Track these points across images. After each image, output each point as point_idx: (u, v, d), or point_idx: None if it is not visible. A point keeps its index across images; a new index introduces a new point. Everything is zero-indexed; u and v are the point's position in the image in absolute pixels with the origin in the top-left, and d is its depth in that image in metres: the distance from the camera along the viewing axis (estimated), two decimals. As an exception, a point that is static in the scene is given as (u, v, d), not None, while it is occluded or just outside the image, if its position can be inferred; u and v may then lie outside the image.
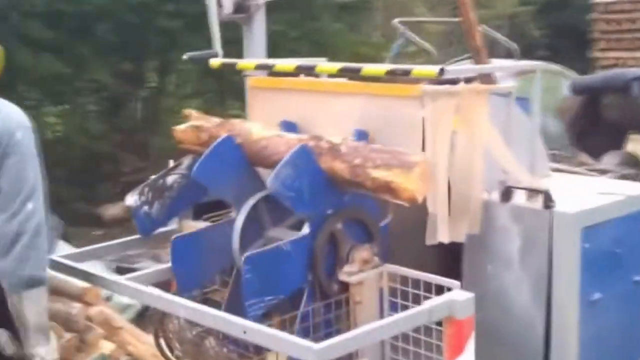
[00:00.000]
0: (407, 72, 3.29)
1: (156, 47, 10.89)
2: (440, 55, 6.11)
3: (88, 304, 5.75)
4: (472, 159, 3.44)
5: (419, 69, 3.26)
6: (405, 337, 3.40)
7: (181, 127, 3.82)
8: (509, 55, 5.58)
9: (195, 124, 3.79)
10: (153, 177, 3.87)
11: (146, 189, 3.80)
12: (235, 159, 3.53)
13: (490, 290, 3.71)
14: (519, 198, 3.66)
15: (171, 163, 3.97)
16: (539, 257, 3.56)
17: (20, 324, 3.19)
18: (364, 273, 3.37)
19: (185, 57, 4.55)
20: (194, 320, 3.19)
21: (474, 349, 3.09)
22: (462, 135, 3.41)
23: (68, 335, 5.81)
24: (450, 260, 3.76)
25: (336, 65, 3.55)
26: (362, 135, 3.48)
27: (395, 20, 5.59)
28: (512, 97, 3.73)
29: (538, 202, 3.58)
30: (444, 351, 3.09)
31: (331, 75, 3.74)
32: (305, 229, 3.32)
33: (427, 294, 3.28)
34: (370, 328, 2.82)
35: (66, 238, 8.24)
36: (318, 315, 3.36)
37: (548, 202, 3.54)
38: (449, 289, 3.20)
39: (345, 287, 3.40)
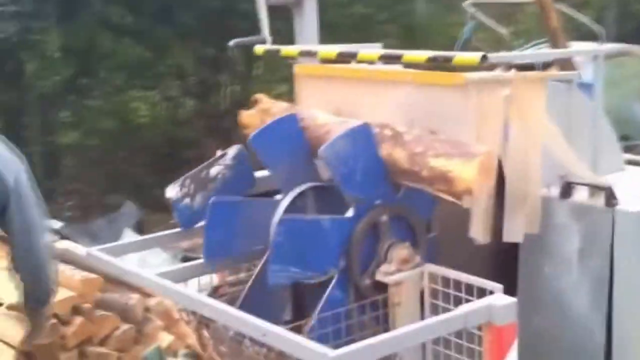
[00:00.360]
0: (449, 59, 3.04)
1: (240, 32, 10.77)
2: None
3: (147, 294, 5.66)
4: (528, 153, 3.19)
5: (461, 56, 3.01)
6: (447, 342, 3.16)
7: (248, 111, 3.68)
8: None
9: (262, 107, 3.66)
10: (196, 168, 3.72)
11: (187, 181, 3.66)
12: (295, 138, 3.40)
13: (548, 294, 3.45)
14: (581, 195, 3.37)
15: (218, 153, 3.82)
16: (599, 259, 3.28)
17: None
18: (402, 273, 3.14)
19: (231, 43, 4.39)
20: (215, 319, 3.02)
21: (516, 359, 2.83)
22: (516, 128, 3.15)
23: (125, 327, 5.72)
24: (505, 262, 3.52)
25: (377, 52, 3.32)
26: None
27: (467, 2, 5.30)
28: (574, 85, 3.44)
29: (600, 200, 3.29)
30: (485, 359, 2.85)
31: (387, 62, 3.52)
32: (349, 212, 3.14)
33: (469, 297, 3.03)
34: (392, 336, 2.61)
35: (141, 226, 8.26)
36: (354, 317, 3.15)
37: (610, 199, 3.24)
38: (492, 292, 2.94)
39: (384, 287, 3.18)
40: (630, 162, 4.14)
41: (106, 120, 9.93)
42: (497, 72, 3.20)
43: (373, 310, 3.18)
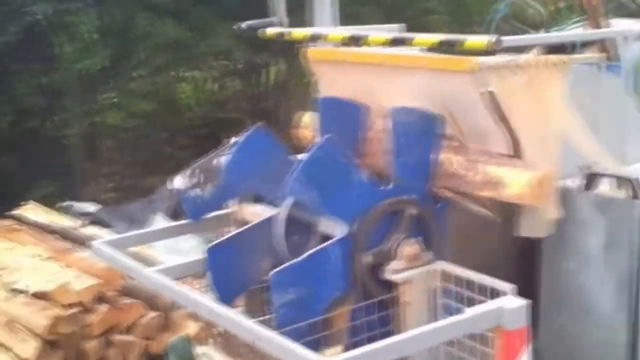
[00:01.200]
0: (460, 43, 2.85)
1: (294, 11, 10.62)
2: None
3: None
4: (545, 143, 3.00)
5: (472, 40, 2.81)
6: (461, 343, 3.00)
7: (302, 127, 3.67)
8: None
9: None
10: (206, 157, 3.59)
11: (197, 170, 3.52)
12: (268, 150, 3.27)
13: (570, 291, 3.26)
14: (605, 187, 3.17)
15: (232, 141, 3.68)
16: (624, 255, 3.08)
17: None
18: (412, 271, 2.97)
19: (243, 25, 4.24)
20: (213, 321, 2.90)
21: (529, 363, 2.66)
22: (533, 116, 2.96)
23: (151, 314, 5.68)
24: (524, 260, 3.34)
25: (387, 36, 3.14)
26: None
27: None
28: (602, 69, 3.23)
29: (625, 192, 3.08)
30: (494, 364, 2.69)
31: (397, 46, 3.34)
32: (340, 231, 2.97)
33: (482, 298, 2.86)
34: (391, 342, 2.45)
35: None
36: (362, 317, 3.00)
37: (636, 191, 3.03)
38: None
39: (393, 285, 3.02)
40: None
41: (146, 102, 9.88)
42: (514, 56, 2.99)
43: (381, 310, 3.02)
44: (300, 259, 2.89)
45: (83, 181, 9.37)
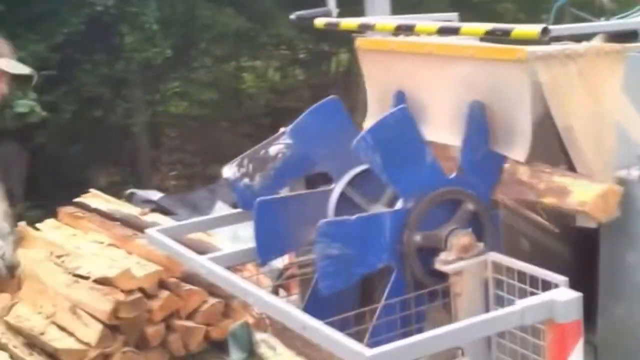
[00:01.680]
0: (507, 32, 2.80)
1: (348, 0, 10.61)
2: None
3: (237, 269, 5.64)
4: (600, 135, 2.94)
5: (520, 29, 2.76)
6: (513, 335, 2.97)
7: None
8: None
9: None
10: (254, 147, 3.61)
11: (245, 160, 3.54)
12: (339, 123, 3.24)
13: (630, 285, 3.19)
14: (663, 177, 3.09)
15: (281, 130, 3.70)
16: (682, 247, 3.00)
17: None
18: (463, 262, 2.95)
19: (292, 16, 4.24)
20: (260, 309, 2.92)
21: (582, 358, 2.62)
22: (587, 107, 2.91)
23: (212, 301, 5.72)
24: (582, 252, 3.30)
25: (435, 24, 3.11)
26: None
27: None
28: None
29: (685, 183, 3.01)
30: (544, 358, 2.65)
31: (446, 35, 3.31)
32: (399, 205, 2.97)
33: (534, 290, 2.82)
34: (436, 334, 2.42)
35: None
36: (410, 307, 2.99)
37: (692, 183, 2.96)
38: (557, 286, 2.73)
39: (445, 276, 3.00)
40: None
41: (210, 91, 9.97)
42: (566, 45, 2.93)
43: (432, 300, 3.00)
44: (351, 218, 2.88)
45: (147, 169, 9.51)
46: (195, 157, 9.22)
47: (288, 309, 2.67)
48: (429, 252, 2.99)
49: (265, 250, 3.22)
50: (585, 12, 5.37)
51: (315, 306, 3.00)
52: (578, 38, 3.69)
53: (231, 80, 10.57)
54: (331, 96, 3.35)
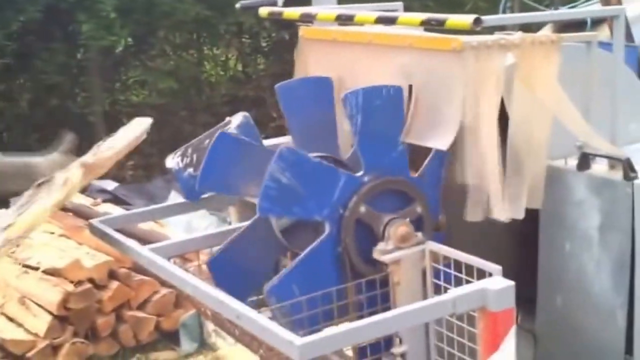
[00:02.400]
0: (441, 22, 2.81)
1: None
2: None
3: (186, 259, 5.64)
4: (533, 125, 2.96)
5: (454, 19, 2.77)
6: (451, 324, 2.98)
7: None
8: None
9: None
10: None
11: (189, 150, 3.51)
12: (325, 103, 3.23)
13: (568, 273, 3.24)
14: (600, 167, 3.13)
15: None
16: (620, 236, 3.04)
17: None
18: (401, 251, 2.96)
19: (237, 5, 4.22)
20: (197, 299, 2.91)
21: (514, 348, 2.64)
22: (522, 97, 2.92)
23: (163, 291, 5.73)
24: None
25: (373, 14, 3.12)
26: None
27: None
28: (593, 47, 3.17)
29: (619, 173, 3.04)
30: (479, 345, 2.67)
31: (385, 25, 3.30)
32: (327, 229, 2.91)
33: (470, 279, 2.84)
34: (367, 323, 2.43)
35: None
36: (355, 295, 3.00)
37: (628, 172, 2.99)
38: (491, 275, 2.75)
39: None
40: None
41: (169, 80, 9.90)
42: (500, 35, 2.94)
43: (370, 290, 3.01)
44: (313, 158, 2.88)
45: (104, 159, 9.40)
46: (153, 146, 9.13)
47: (223, 298, 2.65)
48: (364, 234, 2.97)
49: (207, 178, 3.11)
50: (535, 2, 5.40)
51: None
52: (528, 28, 3.71)
53: (191, 69, 10.50)
54: (218, 132, 3.20)
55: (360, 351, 2.99)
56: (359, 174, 2.94)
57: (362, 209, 2.93)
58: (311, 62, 3.57)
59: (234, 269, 3.14)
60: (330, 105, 3.28)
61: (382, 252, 2.95)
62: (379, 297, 2.99)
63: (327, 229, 2.90)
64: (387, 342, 2.94)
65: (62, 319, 5.36)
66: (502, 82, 2.84)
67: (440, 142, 2.95)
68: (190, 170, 3.47)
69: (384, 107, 2.91)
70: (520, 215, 3.02)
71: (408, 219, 2.99)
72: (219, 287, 2.97)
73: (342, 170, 2.94)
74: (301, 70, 3.61)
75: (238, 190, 3.22)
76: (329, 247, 2.90)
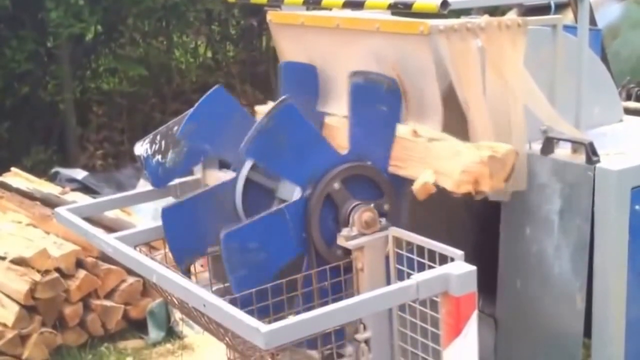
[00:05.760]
0: (408, 6, 2.81)
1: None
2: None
3: (153, 248, 5.63)
4: (508, 107, 2.98)
5: (420, 2, 2.77)
6: (414, 310, 3.01)
7: None
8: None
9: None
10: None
11: (158, 137, 3.50)
12: (228, 110, 3.20)
13: (529, 256, 3.25)
14: (563, 152, 3.15)
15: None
16: (580, 221, 3.06)
17: None
18: (364, 237, 2.97)
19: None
20: (162, 287, 2.91)
21: (476, 332, 2.66)
22: (493, 81, 2.94)
23: (131, 279, 5.73)
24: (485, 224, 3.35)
25: (347, -3, 3.12)
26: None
27: None
28: (559, 30, 3.20)
29: (581, 157, 3.06)
30: (441, 330, 2.69)
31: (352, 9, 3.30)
32: (296, 194, 2.97)
33: (432, 264, 2.86)
34: (332, 309, 2.44)
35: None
36: (318, 281, 3.01)
37: (591, 156, 3.01)
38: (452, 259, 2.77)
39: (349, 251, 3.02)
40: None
41: (138, 67, 9.86)
42: (468, 19, 2.96)
43: (336, 276, 3.02)
44: (252, 220, 2.89)
45: (74, 148, 9.37)
46: (123, 134, 9.11)
47: (188, 286, 2.66)
48: (329, 213, 3.01)
49: (181, 255, 3.17)
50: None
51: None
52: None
53: (161, 56, 10.45)
54: (215, 88, 3.28)
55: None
56: (297, 195, 2.98)
57: (336, 185, 2.97)
58: (283, 46, 3.56)
59: (184, 225, 3.16)
60: (235, 107, 3.29)
61: (347, 237, 2.97)
62: (335, 282, 3.03)
63: (297, 194, 2.95)
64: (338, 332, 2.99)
65: (30, 308, 5.33)
66: (478, 62, 2.86)
67: (432, 126, 3.00)
68: (159, 157, 3.47)
69: (276, 135, 2.90)
70: (507, 197, 3.11)
71: (372, 205, 3.01)
72: (166, 236, 3.12)
73: (281, 206, 2.97)
74: (283, 56, 3.60)
75: (213, 146, 3.28)
76: (293, 213, 2.92)
